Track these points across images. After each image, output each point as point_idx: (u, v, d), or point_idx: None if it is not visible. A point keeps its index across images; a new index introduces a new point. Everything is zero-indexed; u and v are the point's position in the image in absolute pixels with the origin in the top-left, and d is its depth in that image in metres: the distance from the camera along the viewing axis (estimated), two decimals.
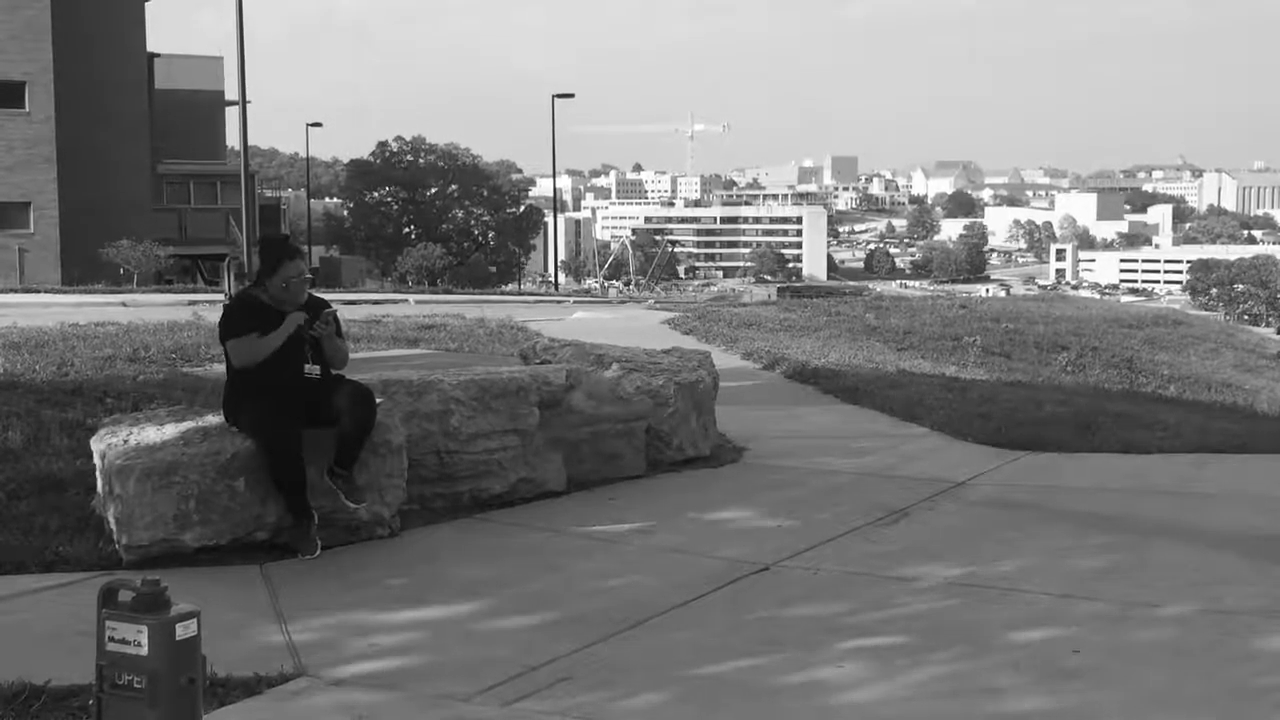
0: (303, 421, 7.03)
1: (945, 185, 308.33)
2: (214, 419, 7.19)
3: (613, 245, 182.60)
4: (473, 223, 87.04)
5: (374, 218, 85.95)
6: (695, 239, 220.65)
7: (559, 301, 35.02)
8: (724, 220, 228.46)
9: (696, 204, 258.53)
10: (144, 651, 3.69)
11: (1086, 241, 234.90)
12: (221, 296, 25.33)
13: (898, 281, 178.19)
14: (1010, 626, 5.82)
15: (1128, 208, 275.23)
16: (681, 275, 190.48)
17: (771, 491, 8.74)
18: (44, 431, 8.83)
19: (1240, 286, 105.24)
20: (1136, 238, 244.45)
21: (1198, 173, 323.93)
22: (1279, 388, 21.78)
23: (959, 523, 7.92)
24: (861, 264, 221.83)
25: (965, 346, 19.84)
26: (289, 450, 6.90)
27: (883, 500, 8.41)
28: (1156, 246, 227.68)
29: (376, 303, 27.31)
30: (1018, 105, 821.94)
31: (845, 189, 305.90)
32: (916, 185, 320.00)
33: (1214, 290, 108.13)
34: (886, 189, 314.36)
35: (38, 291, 30.47)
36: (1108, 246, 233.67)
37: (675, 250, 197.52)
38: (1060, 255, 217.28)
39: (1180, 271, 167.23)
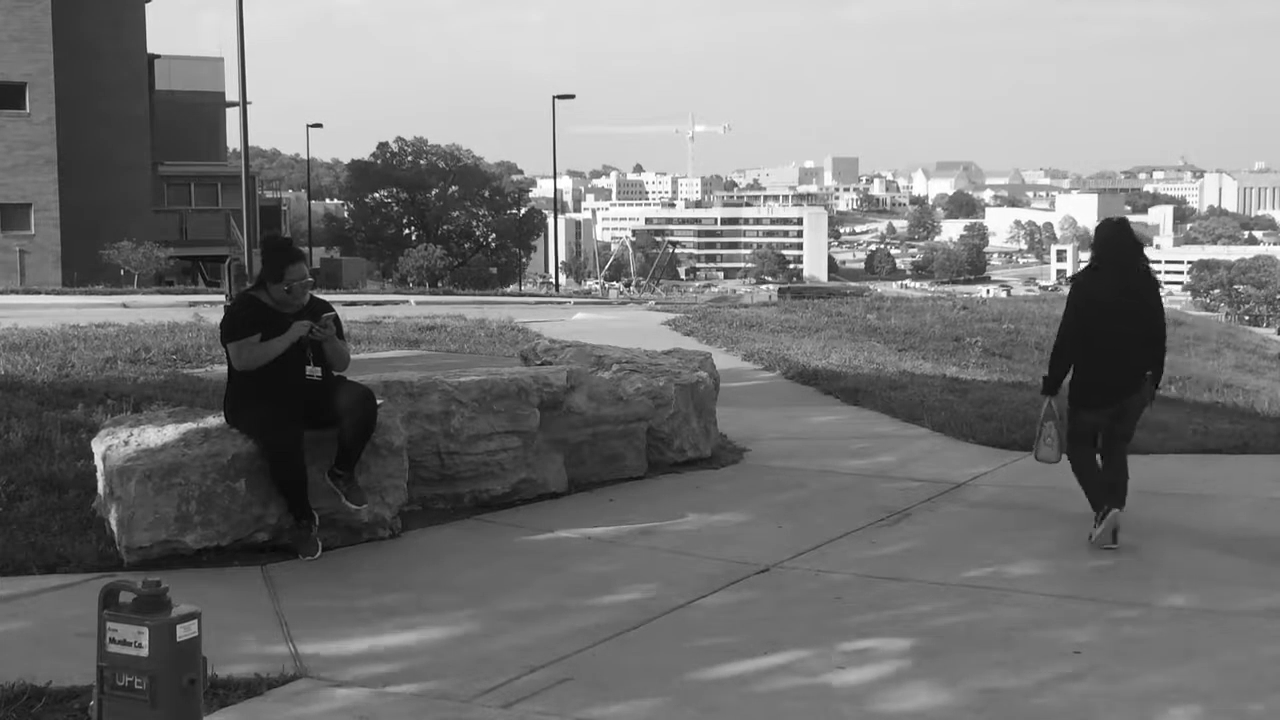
0: (304, 423, 7.03)
1: (946, 186, 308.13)
2: (215, 420, 7.20)
3: (613, 246, 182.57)
4: (474, 224, 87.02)
5: (375, 219, 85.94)
6: (696, 240, 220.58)
7: (560, 303, 35.04)
8: (725, 221, 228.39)
9: (697, 205, 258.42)
10: (145, 653, 3.70)
11: (1087, 242, 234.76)
12: (222, 298, 25.34)
13: (899, 282, 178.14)
14: (1011, 627, 5.82)
15: (1128, 208, 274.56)
16: (682, 276, 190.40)
17: (772, 493, 8.74)
18: (45, 433, 8.83)
19: (1240, 287, 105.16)
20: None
21: (1198, 173, 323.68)
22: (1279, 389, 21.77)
23: (960, 524, 7.92)
24: (862, 265, 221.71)
25: (966, 347, 19.83)
26: (290, 452, 6.90)
27: (884, 502, 8.41)
28: (1157, 247, 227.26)
29: (377, 304, 27.34)
30: (1018, 105, 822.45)
31: (846, 190, 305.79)
32: (917, 186, 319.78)
33: (1215, 291, 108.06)
34: (887, 190, 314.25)
35: (38, 293, 30.50)
36: None
37: (676, 251, 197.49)
38: (1061, 256, 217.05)
39: (1181, 272, 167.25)
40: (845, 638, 5.66)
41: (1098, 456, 7.47)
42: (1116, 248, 7.43)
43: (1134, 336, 7.33)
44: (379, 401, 7.33)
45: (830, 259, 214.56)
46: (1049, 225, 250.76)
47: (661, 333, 19.75)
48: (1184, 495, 8.70)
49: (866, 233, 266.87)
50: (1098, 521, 7.26)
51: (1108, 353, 7.26)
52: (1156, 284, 7.66)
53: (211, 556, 6.79)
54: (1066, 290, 7.71)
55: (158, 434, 6.95)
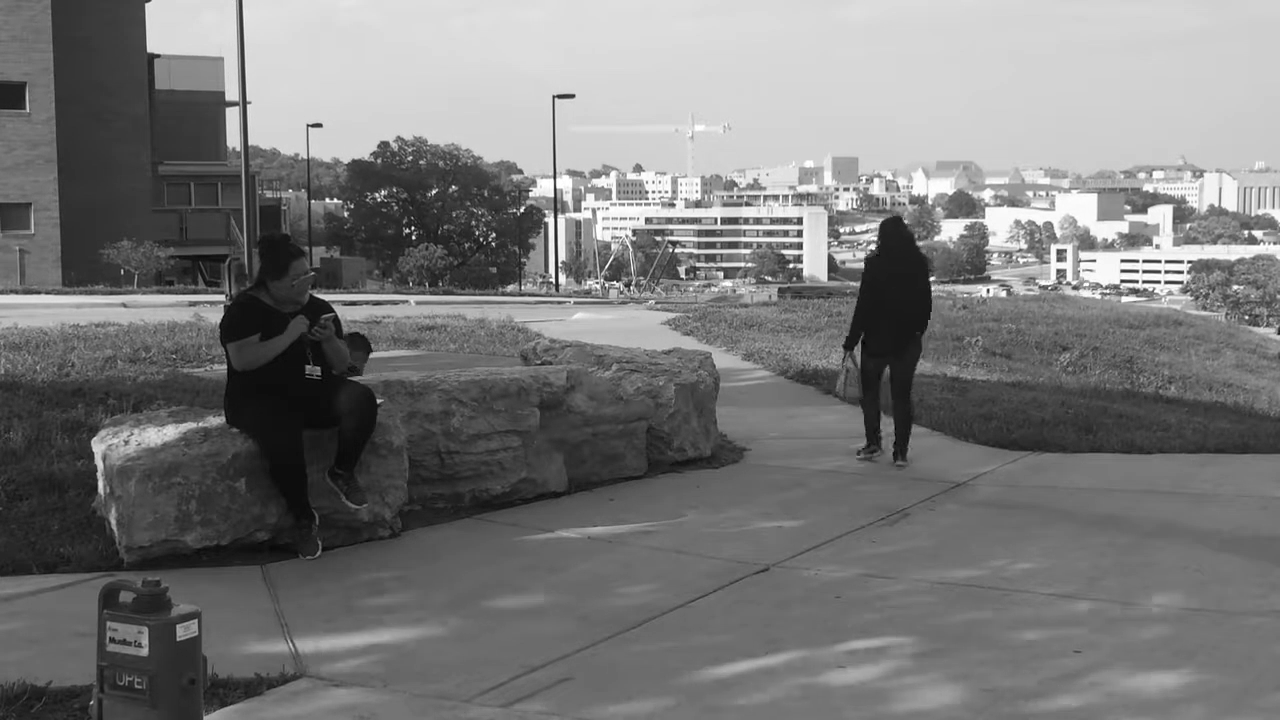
0: (304, 422, 7.03)
1: (946, 185, 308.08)
2: (215, 420, 7.19)
3: (613, 246, 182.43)
4: (474, 223, 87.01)
5: (375, 218, 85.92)
6: (696, 240, 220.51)
7: (559, 302, 35.03)
8: (724, 221, 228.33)
9: (697, 205, 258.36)
10: (145, 652, 3.70)
11: (1087, 242, 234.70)
12: (222, 297, 25.34)
13: None
14: (1011, 626, 5.82)
15: (1128, 208, 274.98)
16: (682, 276, 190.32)
17: (772, 492, 8.74)
18: (45, 432, 8.83)
19: (1238, 287, 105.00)
20: (1137, 238, 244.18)
21: (1198, 173, 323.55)
22: (1279, 388, 21.76)
23: (960, 523, 7.92)
24: (862, 264, 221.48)
25: (966, 347, 19.85)
26: (290, 451, 6.90)
27: (883, 500, 8.41)
28: (1157, 247, 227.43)
29: (377, 303, 27.33)
30: (1018, 105, 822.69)
31: (846, 189, 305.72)
32: (917, 185, 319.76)
33: (1213, 291, 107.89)
34: (887, 189, 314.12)
35: (38, 292, 30.49)
36: (1108, 247, 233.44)
37: (676, 251, 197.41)
38: (1061, 256, 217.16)
39: (1181, 272, 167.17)
40: (845, 637, 5.66)
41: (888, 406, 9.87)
42: (892, 239, 9.92)
43: (904, 303, 9.72)
44: (379, 401, 7.33)
45: (830, 259, 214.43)
46: (1049, 225, 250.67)
47: (661, 332, 19.75)
48: (1184, 495, 8.70)
49: (866, 232, 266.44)
50: (868, 441, 9.83)
51: (886, 315, 9.67)
52: (925, 266, 10.26)
53: (211, 556, 6.78)
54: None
55: (158, 433, 6.95)
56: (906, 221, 11.52)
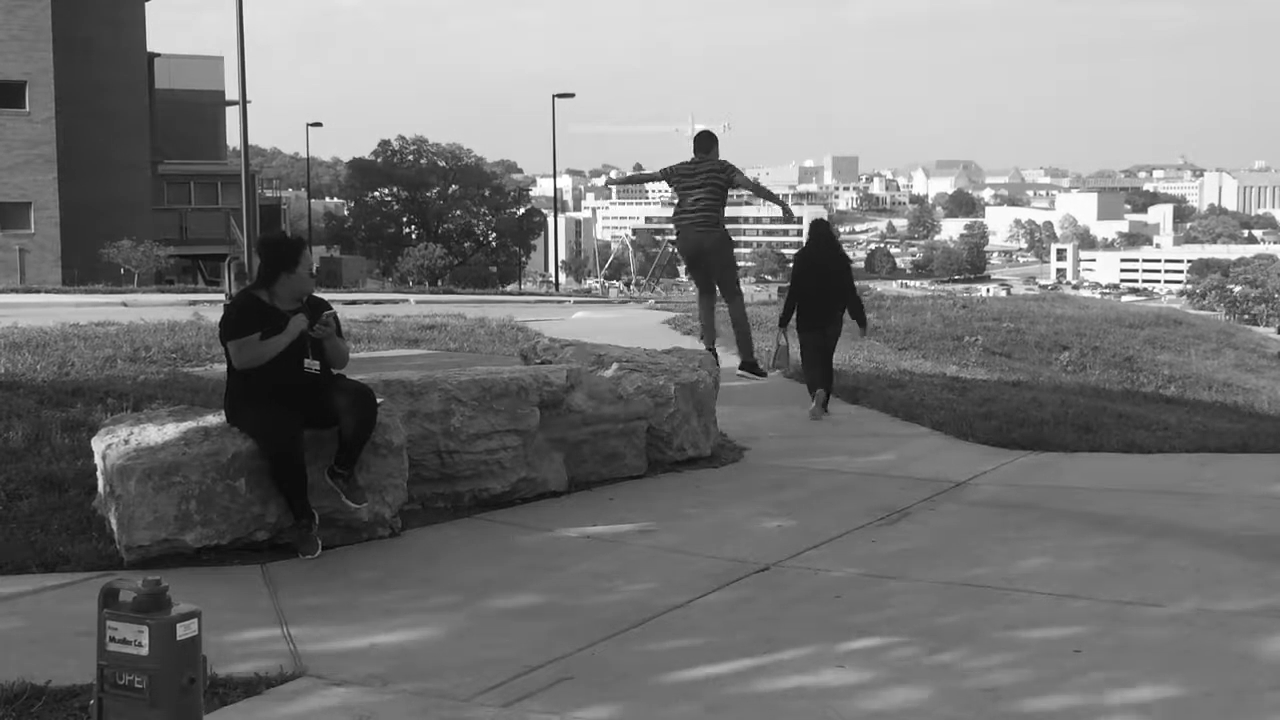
0: (304, 422, 7.03)
1: (946, 185, 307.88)
2: (215, 419, 7.19)
3: (613, 245, 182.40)
4: (474, 223, 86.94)
5: (375, 217, 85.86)
6: None
7: (559, 302, 35.02)
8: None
9: None
10: (145, 652, 3.70)
11: (1087, 241, 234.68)
12: (222, 296, 25.34)
13: (898, 281, 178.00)
14: (1010, 626, 5.82)
15: (1128, 207, 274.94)
16: (682, 276, 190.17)
17: (772, 491, 8.73)
18: (45, 432, 8.83)
19: (1236, 288, 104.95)
20: (1137, 237, 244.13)
21: (1198, 172, 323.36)
22: (1279, 388, 21.76)
23: (960, 523, 7.92)
24: (862, 264, 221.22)
25: (966, 346, 19.85)
26: (290, 450, 6.90)
27: (883, 500, 8.40)
28: (1157, 246, 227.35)
29: (377, 303, 27.32)
30: (1018, 105, 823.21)
31: (846, 189, 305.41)
32: (917, 185, 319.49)
33: (1210, 293, 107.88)
34: (887, 189, 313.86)
35: (38, 292, 30.49)
36: (1108, 246, 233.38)
37: (676, 251, 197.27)
38: (1061, 255, 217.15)
39: (1181, 271, 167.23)
40: (845, 637, 5.65)
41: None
42: (816, 236, 12.13)
43: (826, 289, 11.84)
44: (379, 400, 7.33)
45: None
46: (1049, 224, 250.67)
47: (661, 331, 19.75)
48: (1184, 495, 8.69)
49: (866, 232, 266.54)
50: (813, 399, 11.72)
51: (811, 298, 11.85)
52: (845, 259, 12.34)
53: (211, 555, 6.79)
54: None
55: (158, 432, 6.95)
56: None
